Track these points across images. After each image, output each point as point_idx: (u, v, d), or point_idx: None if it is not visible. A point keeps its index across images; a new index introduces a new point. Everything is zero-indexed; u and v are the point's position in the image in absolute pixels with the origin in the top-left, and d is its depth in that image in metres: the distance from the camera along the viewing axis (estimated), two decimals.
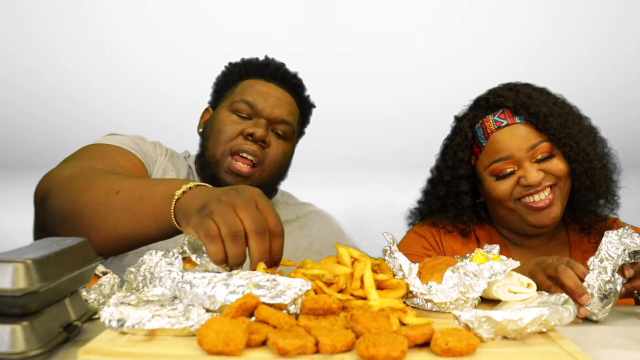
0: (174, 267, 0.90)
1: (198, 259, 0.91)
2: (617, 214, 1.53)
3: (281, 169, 1.50)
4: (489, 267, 0.92)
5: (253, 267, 0.85)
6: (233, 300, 0.74)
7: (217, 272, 0.81)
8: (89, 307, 0.85)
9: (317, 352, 0.67)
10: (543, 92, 1.47)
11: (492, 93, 1.48)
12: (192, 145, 1.62)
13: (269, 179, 1.47)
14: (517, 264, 0.95)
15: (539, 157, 1.40)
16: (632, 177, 1.56)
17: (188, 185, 0.94)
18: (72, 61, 2.72)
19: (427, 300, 0.93)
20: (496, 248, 1.07)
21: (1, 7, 2.67)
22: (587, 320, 1.01)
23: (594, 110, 1.56)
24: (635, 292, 1.05)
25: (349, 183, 2.80)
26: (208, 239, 0.84)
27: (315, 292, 0.83)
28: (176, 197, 0.94)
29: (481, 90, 1.54)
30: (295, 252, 1.50)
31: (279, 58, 1.60)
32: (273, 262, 0.87)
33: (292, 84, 1.52)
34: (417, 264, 0.97)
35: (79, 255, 0.80)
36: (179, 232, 0.97)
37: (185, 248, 0.94)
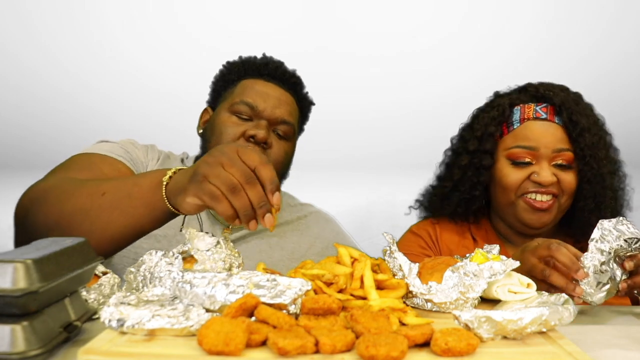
0: (174, 267, 0.90)
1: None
2: None
3: (283, 169, 1.50)
4: (488, 267, 0.92)
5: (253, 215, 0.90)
6: (233, 300, 0.74)
7: (217, 272, 0.82)
8: (89, 307, 0.85)
9: (317, 352, 0.67)
10: (588, 107, 1.48)
11: (544, 86, 1.48)
12: (191, 145, 1.62)
13: None
14: (516, 264, 0.95)
15: (559, 161, 1.41)
16: (632, 177, 1.56)
17: (172, 170, 1.00)
18: (72, 61, 2.72)
19: (427, 300, 0.93)
20: (496, 248, 1.07)
21: (1, 7, 2.67)
22: (587, 319, 1.01)
23: None
24: (635, 292, 1.05)
25: (349, 183, 2.80)
26: (214, 200, 0.89)
27: (315, 292, 0.83)
28: (165, 183, 0.99)
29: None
30: (296, 253, 1.50)
31: (279, 58, 1.59)
32: (272, 189, 0.90)
33: (291, 82, 1.51)
34: (417, 264, 0.97)
35: (79, 255, 0.80)
36: (174, 216, 1.02)
37: (188, 245, 0.96)
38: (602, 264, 1.00)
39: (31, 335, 0.67)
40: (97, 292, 0.91)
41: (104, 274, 0.96)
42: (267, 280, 0.78)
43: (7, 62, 2.72)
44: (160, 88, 2.63)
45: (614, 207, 1.45)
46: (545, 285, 1.03)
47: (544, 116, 1.42)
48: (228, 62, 1.57)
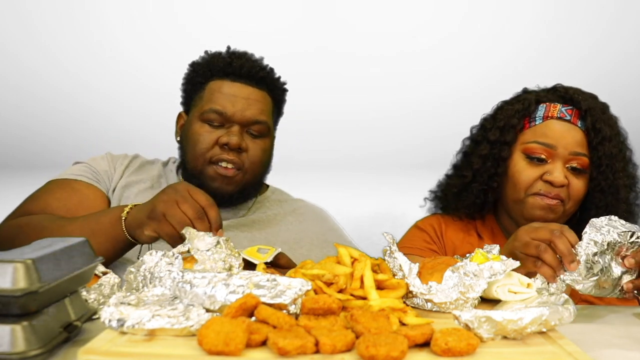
0: (174, 267, 0.90)
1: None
2: None
3: (263, 167, 1.52)
4: (488, 267, 0.92)
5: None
6: (233, 300, 0.74)
7: (217, 272, 0.82)
8: (89, 307, 0.85)
9: (317, 352, 0.67)
10: (614, 118, 1.48)
11: (573, 89, 1.48)
12: None
13: (253, 178, 1.49)
14: (517, 264, 0.95)
15: (574, 164, 1.40)
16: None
17: (129, 207, 1.18)
18: (72, 61, 2.72)
19: (427, 300, 0.93)
20: (496, 248, 1.06)
21: (1, 7, 2.67)
22: (587, 319, 1.01)
23: None
24: (635, 291, 1.05)
25: (348, 183, 2.80)
26: (171, 239, 1.08)
27: (315, 292, 0.83)
28: (123, 218, 1.17)
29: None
30: (286, 244, 1.50)
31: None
32: (217, 227, 1.08)
33: (259, 77, 1.49)
34: (417, 264, 0.97)
35: (79, 255, 0.79)
36: (134, 245, 1.21)
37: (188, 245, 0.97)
38: (595, 254, 1.00)
39: (31, 335, 0.67)
40: (97, 292, 0.91)
41: (104, 274, 0.96)
42: (267, 280, 0.78)
43: (7, 62, 2.72)
44: (160, 88, 2.62)
45: (628, 221, 1.45)
46: (530, 263, 1.04)
47: (568, 117, 1.42)
48: (193, 63, 1.56)
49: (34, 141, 2.75)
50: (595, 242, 1.01)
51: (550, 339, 0.74)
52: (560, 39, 2.74)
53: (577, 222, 1.47)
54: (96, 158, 1.53)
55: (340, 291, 0.85)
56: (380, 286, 0.89)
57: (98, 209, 1.37)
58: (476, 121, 1.57)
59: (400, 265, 0.95)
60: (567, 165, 1.40)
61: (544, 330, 0.76)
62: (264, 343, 0.69)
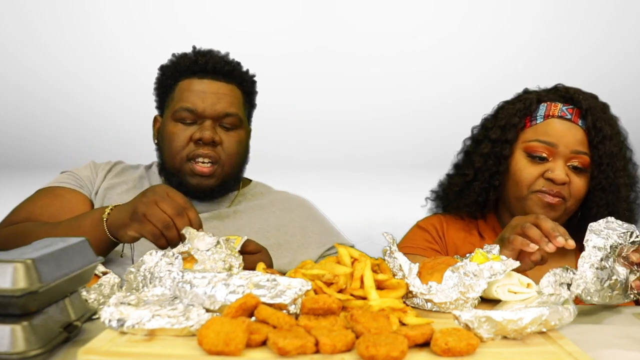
0: (174, 267, 0.90)
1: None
2: None
3: (240, 158, 1.54)
4: (488, 267, 0.92)
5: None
6: (233, 300, 0.74)
7: (217, 272, 0.82)
8: (89, 307, 0.85)
9: (317, 352, 0.67)
10: (614, 118, 1.49)
11: (573, 89, 1.49)
12: None
13: (231, 170, 1.52)
14: (517, 264, 0.95)
15: (575, 163, 1.41)
16: None
17: (109, 208, 1.21)
18: (72, 61, 2.72)
19: (427, 300, 0.93)
20: (496, 248, 1.06)
21: (1, 7, 2.67)
22: (587, 319, 1.01)
23: None
24: (636, 292, 1.05)
25: (348, 183, 2.80)
26: (154, 237, 1.11)
27: (315, 292, 0.83)
28: (105, 219, 1.20)
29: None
30: (268, 231, 1.52)
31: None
32: (197, 226, 1.10)
33: (225, 71, 1.53)
34: (417, 264, 0.97)
35: (79, 255, 0.80)
36: (116, 245, 1.24)
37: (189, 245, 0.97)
38: (602, 259, 1.00)
39: (31, 335, 0.67)
40: (97, 292, 0.91)
41: (104, 274, 0.96)
42: (267, 280, 0.78)
43: (7, 62, 2.72)
44: None
45: (629, 220, 1.44)
46: (518, 242, 1.08)
47: (569, 116, 1.43)
48: (162, 67, 1.61)
49: (34, 141, 2.75)
50: (599, 248, 1.00)
51: (550, 339, 0.74)
52: (560, 39, 2.74)
53: (578, 221, 1.48)
54: (79, 167, 1.58)
55: (340, 291, 0.85)
56: (380, 286, 0.89)
57: (80, 212, 1.38)
58: (476, 121, 1.57)
59: (400, 265, 0.95)
60: (568, 164, 1.41)
61: (544, 330, 0.76)
62: (264, 343, 0.69)
